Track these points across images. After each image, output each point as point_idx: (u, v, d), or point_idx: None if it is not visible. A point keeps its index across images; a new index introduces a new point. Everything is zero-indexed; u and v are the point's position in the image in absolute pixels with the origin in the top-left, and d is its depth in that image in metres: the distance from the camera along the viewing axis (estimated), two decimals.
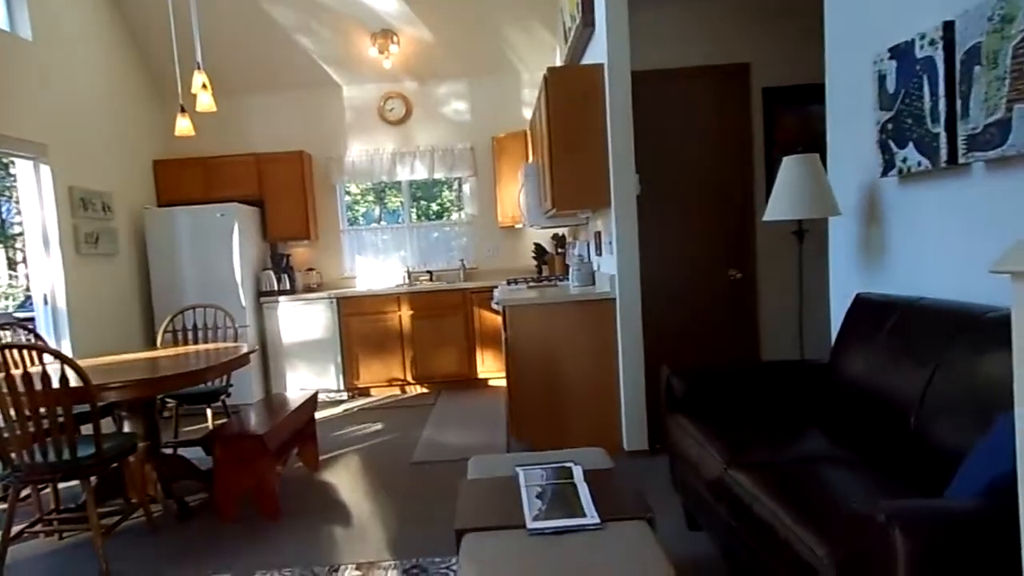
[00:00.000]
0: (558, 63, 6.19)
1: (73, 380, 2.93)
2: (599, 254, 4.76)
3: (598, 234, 4.73)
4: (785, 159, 3.11)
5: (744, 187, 4.60)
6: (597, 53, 4.30)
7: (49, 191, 4.88)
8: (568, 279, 5.13)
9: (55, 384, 2.86)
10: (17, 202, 5.10)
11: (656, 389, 3.75)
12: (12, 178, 5.86)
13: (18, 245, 10.01)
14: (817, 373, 2.96)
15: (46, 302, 4.89)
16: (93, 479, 3.34)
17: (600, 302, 4.18)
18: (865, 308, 2.74)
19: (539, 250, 6.63)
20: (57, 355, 2.90)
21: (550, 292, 4.56)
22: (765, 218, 3.18)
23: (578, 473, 2.41)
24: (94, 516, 3.00)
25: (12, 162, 4.83)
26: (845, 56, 2.93)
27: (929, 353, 2.16)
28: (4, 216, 10.70)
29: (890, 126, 2.52)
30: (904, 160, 2.44)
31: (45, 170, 4.87)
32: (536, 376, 4.22)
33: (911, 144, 2.38)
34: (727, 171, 4.61)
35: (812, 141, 4.42)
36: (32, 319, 4.98)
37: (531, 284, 5.49)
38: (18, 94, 4.69)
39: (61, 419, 2.90)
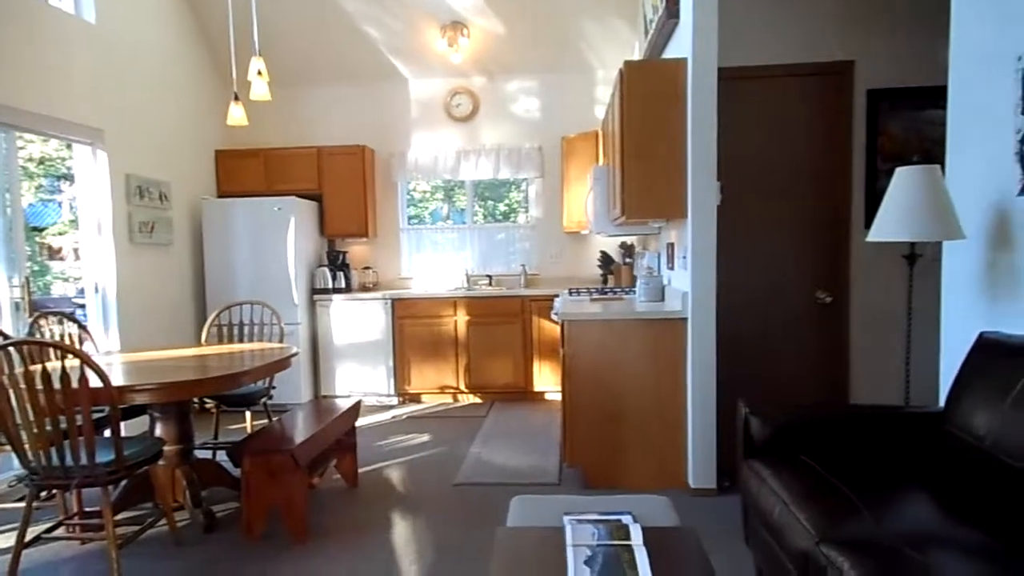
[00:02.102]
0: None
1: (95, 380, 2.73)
2: (671, 267, 4.35)
3: (670, 246, 4.32)
4: (899, 170, 2.66)
5: (839, 200, 4.07)
6: (680, 48, 3.90)
7: (104, 177, 4.79)
8: (635, 292, 4.74)
9: (74, 384, 2.66)
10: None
11: (728, 421, 3.34)
12: None
13: None
14: (926, 423, 2.53)
15: (97, 290, 4.80)
16: (117, 486, 3.17)
17: (670, 321, 3.78)
18: (993, 350, 2.29)
19: (605, 259, 6.24)
20: (77, 354, 2.70)
21: (615, 307, 4.18)
22: (871, 238, 2.73)
23: (636, 534, 2.03)
24: (110, 527, 2.78)
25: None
26: (977, 53, 2.48)
27: None
28: None
29: None
30: None
31: (102, 156, 4.78)
32: (595, 398, 3.85)
33: None
34: (820, 182, 4.10)
35: (924, 151, 3.93)
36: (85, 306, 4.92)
37: (594, 296, 5.10)
38: (79, 78, 4.61)
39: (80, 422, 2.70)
